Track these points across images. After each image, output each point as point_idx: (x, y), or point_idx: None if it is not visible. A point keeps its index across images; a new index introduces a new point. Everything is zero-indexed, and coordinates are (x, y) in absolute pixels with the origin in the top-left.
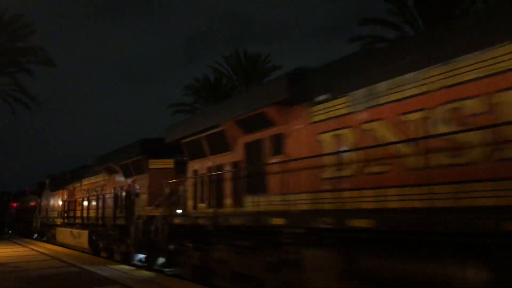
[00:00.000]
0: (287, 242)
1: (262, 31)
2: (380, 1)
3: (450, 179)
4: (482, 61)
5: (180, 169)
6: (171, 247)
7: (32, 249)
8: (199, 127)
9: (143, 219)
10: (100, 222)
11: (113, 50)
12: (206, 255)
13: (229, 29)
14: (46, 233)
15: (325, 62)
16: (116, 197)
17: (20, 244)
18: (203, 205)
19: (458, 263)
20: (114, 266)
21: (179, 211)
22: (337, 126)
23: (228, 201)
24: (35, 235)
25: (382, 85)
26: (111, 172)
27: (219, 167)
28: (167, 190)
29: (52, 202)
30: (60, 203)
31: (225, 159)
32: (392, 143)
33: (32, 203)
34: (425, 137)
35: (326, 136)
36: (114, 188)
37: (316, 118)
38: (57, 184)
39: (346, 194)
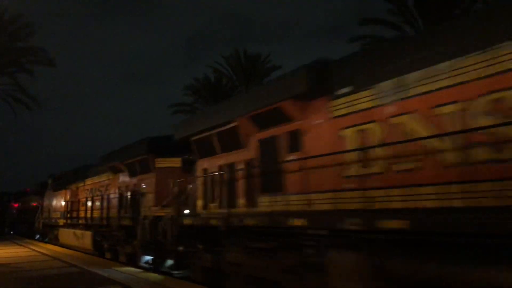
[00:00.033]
0: (308, 244)
1: (262, 31)
2: (380, 1)
3: (494, 176)
4: None
5: (187, 168)
6: (180, 248)
7: (33, 250)
8: (209, 123)
9: (149, 219)
10: (104, 222)
11: (113, 50)
12: (217, 257)
13: (229, 29)
14: (49, 234)
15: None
16: (121, 197)
17: (21, 245)
18: (214, 205)
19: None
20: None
21: (186, 212)
22: (362, 121)
23: (241, 200)
24: (37, 236)
25: (412, 76)
26: (116, 171)
27: (231, 166)
28: (175, 190)
29: (54, 202)
30: (63, 203)
31: (238, 156)
32: (424, 137)
33: (34, 203)
34: (454, 132)
35: (349, 132)
36: (119, 188)
37: (338, 113)
38: (60, 184)
39: (372, 193)
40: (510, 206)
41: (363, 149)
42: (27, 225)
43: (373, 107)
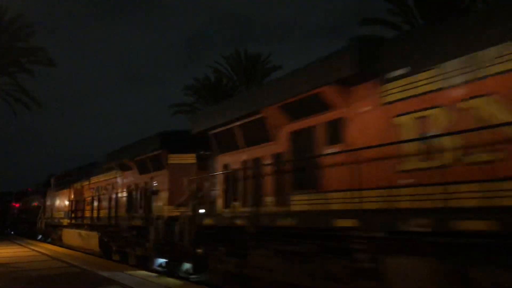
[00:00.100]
0: (358, 248)
1: (262, 31)
2: (380, 1)
3: None
4: None
5: (202, 164)
6: (199, 251)
7: (33, 250)
8: (231, 115)
9: (164, 219)
10: (112, 222)
11: (113, 50)
12: (242, 261)
13: (229, 29)
14: (52, 234)
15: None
16: (130, 196)
17: (21, 245)
18: (237, 204)
19: None
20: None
21: (201, 211)
22: (422, 106)
23: (269, 199)
24: (39, 236)
25: (489, 52)
26: (124, 168)
27: (257, 161)
28: (192, 188)
29: (57, 201)
30: (67, 202)
31: (265, 151)
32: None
33: (36, 203)
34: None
35: (406, 119)
36: (128, 186)
37: (390, 98)
38: (63, 182)
39: (436, 189)
40: None
41: (430, 137)
42: (29, 225)
43: (436, 90)
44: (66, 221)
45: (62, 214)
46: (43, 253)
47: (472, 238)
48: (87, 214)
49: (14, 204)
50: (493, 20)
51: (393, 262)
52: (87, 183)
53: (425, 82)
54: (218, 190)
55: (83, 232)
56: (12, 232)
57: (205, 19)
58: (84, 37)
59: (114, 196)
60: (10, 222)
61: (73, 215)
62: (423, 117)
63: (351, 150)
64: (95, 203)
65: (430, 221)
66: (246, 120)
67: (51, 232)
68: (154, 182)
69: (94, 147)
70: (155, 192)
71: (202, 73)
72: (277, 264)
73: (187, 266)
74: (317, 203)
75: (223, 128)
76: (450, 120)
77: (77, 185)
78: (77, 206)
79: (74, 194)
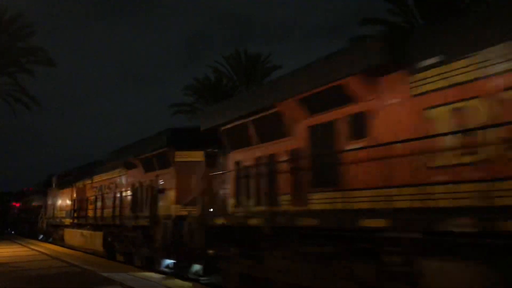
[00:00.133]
0: (389, 250)
1: (262, 31)
2: (380, 1)
3: None
4: None
5: (211, 162)
6: (210, 252)
7: (33, 249)
8: (244, 110)
9: (172, 219)
10: (117, 222)
11: (113, 50)
12: (257, 263)
13: (229, 29)
14: (53, 234)
15: None
16: (135, 195)
17: (21, 244)
18: (250, 203)
19: None
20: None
21: (210, 210)
22: (459, 97)
23: (284, 197)
24: (41, 236)
25: None
26: (129, 167)
27: (272, 157)
28: (203, 186)
29: (59, 201)
30: (69, 202)
31: (280, 147)
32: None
33: (37, 203)
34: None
35: (440, 111)
36: (133, 185)
37: (422, 89)
38: (65, 181)
39: (477, 186)
40: None
41: (462, 132)
42: (30, 225)
43: (475, 79)
44: (68, 221)
45: (64, 214)
46: (42, 253)
47: None
48: (90, 213)
49: (14, 203)
50: None
51: (431, 266)
52: (89, 182)
53: (461, 71)
54: (229, 189)
55: (85, 232)
56: (12, 232)
57: (205, 19)
58: (84, 37)
59: (118, 195)
60: (10, 222)
61: (75, 215)
62: (460, 108)
63: (380, 145)
64: (99, 202)
65: (474, 221)
66: (260, 115)
67: (52, 232)
68: (160, 181)
69: (94, 147)
70: (162, 191)
71: (202, 73)
72: (296, 266)
73: (196, 267)
74: (340, 202)
75: (235, 123)
76: (491, 112)
77: (80, 184)
78: (79, 205)
79: (77, 193)
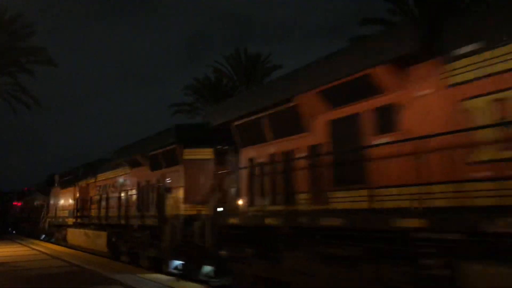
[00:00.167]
0: (427, 253)
1: (262, 31)
2: (380, 1)
3: None
4: None
5: (221, 160)
6: (223, 253)
7: (33, 249)
8: (258, 105)
9: (181, 219)
10: (122, 222)
11: (113, 50)
12: (273, 264)
13: (229, 29)
14: (55, 234)
15: None
16: (141, 194)
17: (21, 244)
18: (264, 201)
19: None
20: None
21: (219, 209)
22: (501, 87)
23: (302, 196)
24: (43, 236)
25: None
26: (134, 165)
27: (287, 154)
28: (213, 184)
29: (62, 200)
30: (71, 201)
31: (297, 143)
32: None
33: (39, 202)
34: None
35: (479, 103)
36: (138, 184)
37: (458, 79)
38: (68, 180)
39: None
40: None
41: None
42: (31, 224)
43: None
44: (71, 220)
45: (66, 213)
46: (43, 252)
47: None
48: (94, 213)
49: (15, 203)
50: None
51: (475, 270)
52: (93, 180)
53: (503, 58)
54: (241, 187)
55: (89, 231)
56: (14, 232)
57: (205, 19)
58: (84, 37)
59: (123, 194)
60: (11, 222)
61: (78, 214)
62: (503, 99)
63: (414, 139)
64: (103, 202)
65: None
66: (276, 110)
67: (55, 231)
68: (168, 179)
69: (94, 147)
70: (170, 190)
71: (202, 73)
72: (319, 268)
73: (207, 269)
74: (366, 201)
75: (249, 119)
76: None
77: (83, 183)
78: (82, 204)
79: (80, 192)
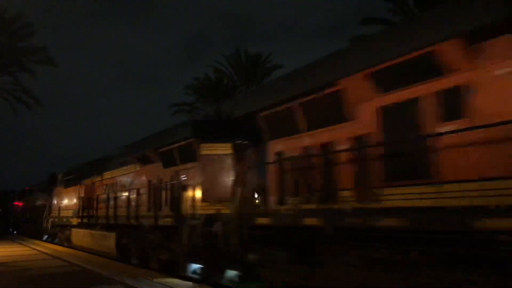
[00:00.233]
0: None
1: (262, 31)
2: (380, 0)
3: None
4: None
5: (240, 155)
6: (251, 256)
7: (34, 249)
8: (290, 92)
9: (201, 219)
10: (132, 222)
11: (113, 50)
12: (312, 270)
13: (229, 29)
14: (58, 234)
15: None
16: (153, 192)
17: (22, 244)
18: (297, 199)
19: None
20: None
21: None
22: None
23: (345, 193)
24: (45, 237)
25: None
26: (145, 162)
27: (325, 146)
28: (237, 181)
29: (65, 199)
30: (76, 200)
31: (339, 133)
32: None
33: (40, 202)
34: None
35: None
36: (149, 182)
37: None
38: (72, 179)
39: None
40: None
41: None
42: (33, 224)
43: None
44: (75, 220)
45: (70, 213)
46: (43, 252)
47: None
48: (100, 213)
49: (16, 203)
50: None
51: None
52: (99, 179)
53: None
54: (269, 184)
55: (96, 232)
56: (15, 232)
57: (205, 19)
58: (84, 37)
59: (133, 192)
60: (12, 222)
61: (83, 214)
62: None
63: (495, 125)
64: (111, 201)
65: None
66: (311, 97)
67: (58, 232)
68: (183, 176)
69: (94, 147)
70: (186, 188)
71: (202, 73)
72: (373, 276)
73: (231, 274)
74: (431, 198)
75: (278, 108)
76: None
77: (88, 182)
78: (88, 204)
79: (85, 191)
